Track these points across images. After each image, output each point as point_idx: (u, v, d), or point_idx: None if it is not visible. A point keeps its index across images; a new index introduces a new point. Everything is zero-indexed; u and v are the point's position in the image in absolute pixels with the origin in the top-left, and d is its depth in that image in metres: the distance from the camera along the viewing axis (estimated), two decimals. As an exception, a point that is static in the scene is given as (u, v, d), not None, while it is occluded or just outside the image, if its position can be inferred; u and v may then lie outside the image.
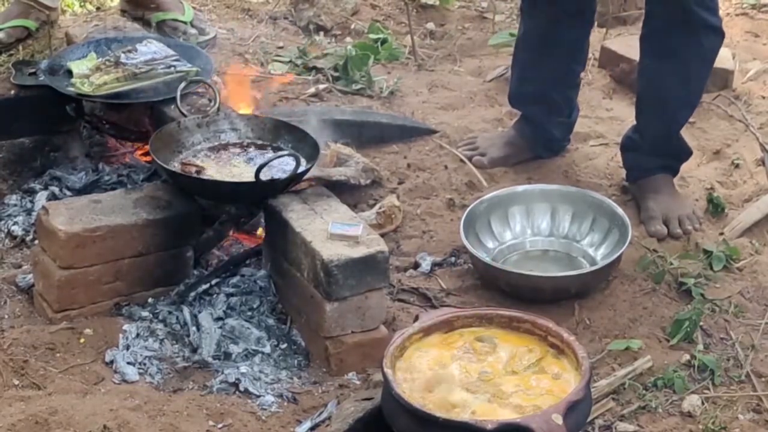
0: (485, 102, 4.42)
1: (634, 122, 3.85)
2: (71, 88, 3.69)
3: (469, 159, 3.99)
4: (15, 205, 3.68)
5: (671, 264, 3.46)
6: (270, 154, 3.38)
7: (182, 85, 3.54)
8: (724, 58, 4.59)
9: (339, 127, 3.99)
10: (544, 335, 2.76)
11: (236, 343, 3.14)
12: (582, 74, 4.07)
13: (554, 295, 3.34)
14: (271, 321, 3.23)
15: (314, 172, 3.42)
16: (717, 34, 3.64)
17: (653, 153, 3.76)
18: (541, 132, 3.99)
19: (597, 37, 4.84)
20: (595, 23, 4.98)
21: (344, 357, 3.09)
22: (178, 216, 3.26)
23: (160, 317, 3.21)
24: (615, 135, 4.20)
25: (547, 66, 3.87)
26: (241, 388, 3.01)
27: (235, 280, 3.31)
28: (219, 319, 3.20)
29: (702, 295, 3.38)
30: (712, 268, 3.50)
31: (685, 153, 3.83)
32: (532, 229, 3.65)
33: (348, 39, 4.80)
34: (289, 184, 3.27)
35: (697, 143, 4.14)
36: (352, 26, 4.89)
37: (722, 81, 4.52)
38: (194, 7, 4.65)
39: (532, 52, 3.90)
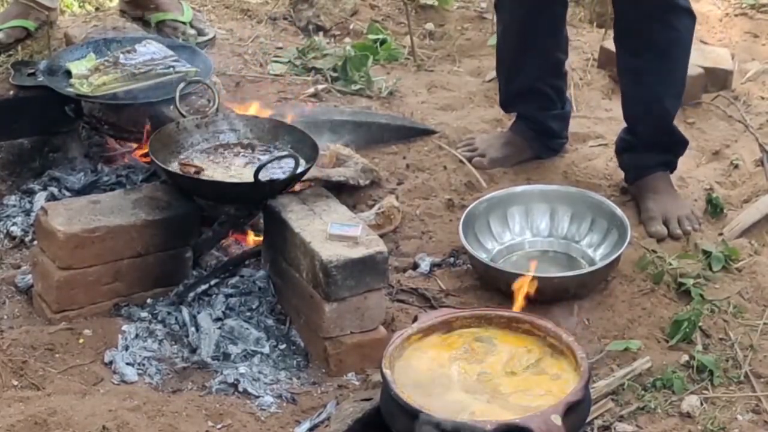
0: (484, 102, 4.42)
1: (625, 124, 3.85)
2: (70, 89, 3.69)
3: (469, 160, 3.99)
4: (14, 206, 3.68)
5: (670, 264, 3.46)
6: (269, 155, 3.38)
7: (181, 85, 3.54)
8: (723, 59, 4.60)
9: (338, 127, 3.99)
10: (543, 336, 2.77)
11: (235, 343, 3.14)
12: (569, 64, 4.07)
13: (553, 296, 3.34)
14: (270, 321, 3.23)
15: (313, 172, 3.42)
16: (689, 16, 3.64)
17: (649, 150, 3.75)
18: (538, 128, 3.99)
19: (596, 38, 4.85)
20: (595, 23, 5.00)
21: (343, 357, 3.10)
22: (177, 217, 3.26)
23: (159, 318, 3.21)
24: (614, 135, 4.19)
25: (530, 58, 3.87)
26: (240, 389, 3.01)
27: (234, 280, 3.31)
28: (218, 319, 3.20)
29: (701, 295, 3.38)
30: (711, 269, 3.50)
31: (681, 144, 3.82)
32: (531, 229, 3.65)
33: (347, 39, 4.80)
34: (288, 185, 3.27)
35: (696, 144, 4.14)
36: (351, 27, 4.89)
37: (721, 81, 4.51)
38: (193, 8, 4.65)
39: (514, 48, 3.91)
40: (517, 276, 3.36)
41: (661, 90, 3.68)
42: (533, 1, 3.81)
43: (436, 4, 5.06)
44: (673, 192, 3.78)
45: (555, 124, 4.02)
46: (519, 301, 2.91)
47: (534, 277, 3.04)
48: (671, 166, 3.81)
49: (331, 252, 3.03)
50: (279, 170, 3.28)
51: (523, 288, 2.94)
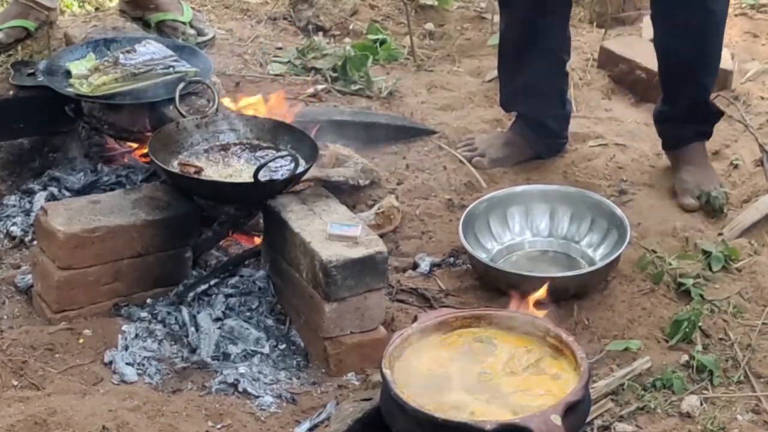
0: (484, 102, 4.42)
1: (662, 96, 3.92)
2: (70, 89, 3.69)
3: (469, 160, 3.99)
4: (14, 206, 3.69)
5: (670, 264, 3.46)
6: (269, 155, 3.38)
7: (181, 85, 3.55)
8: (723, 59, 4.59)
9: (338, 127, 3.99)
10: (543, 336, 2.76)
11: (235, 343, 3.14)
12: (569, 64, 4.07)
13: (553, 296, 3.34)
14: (270, 321, 3.23)
15: (313, 172, 3.42)
16: None
17: (686, 121, 3.85)
18: (538, 128, 4.00)
19: (596, 38, 4.84)
20: (595, 23, 5.00)
21: (343, 357, 3.10)
22: (177, 217, 3.26)
23: (159, 318, 3.21)
24: (614, 135, 4.20)
25: (533, 57, 3.88)
26: (240, 389, 3.01)
27: (234, 280, 3.31)
28: (218, 319, 3.20)
29: (701, 295, 3.38)
30: (710, 269, 3.50)
31: (716, 115, 3.92)
32: (531, 229, 3.65)
33: (347, 39, 4.80)
34: (288, 185, 3.27)
35: (696, 143, 4.15)
36: (351, 27, 4.89)
37: (721, 81, 4.50)
38: (193, 8, 4.65)
39: (516, 46, 3.92)
40: (517, 276, 3.38)
41: (696, 68, 3.77)
42: (535, 3, 3.81)
43: (436, 4, 5.07)
44: (708, 164, 3.90)
45: (555, 124, 4.03)
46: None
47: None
48: (707, 135, 3.93)
49: (330, 252, 3.03)
50: (278, 170, 3.29)
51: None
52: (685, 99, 3.83)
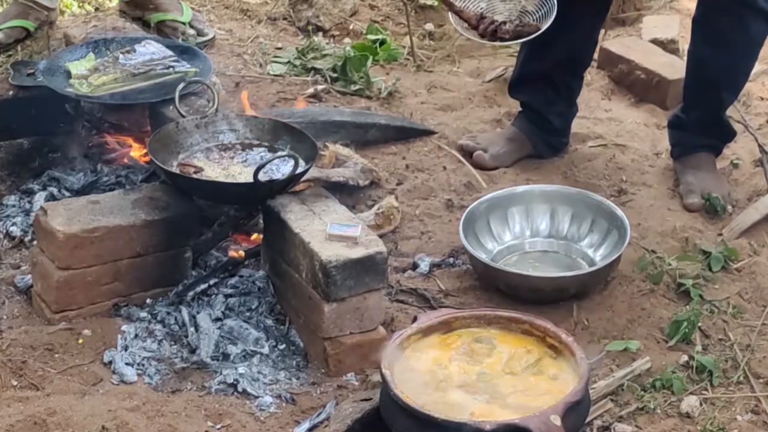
0: (484, 103, 4.42)
1: (681, 103, 3.95)
2: (70, 89, 3.69)
3: (471, 154, 3.99)
4: (13, 206, 3.68)
5: (670, 265, 3.46)
6: (268, 155, 3.38)
7: (181, 85, 3.54)
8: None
9: (337, 128, 3.99)
10: (543, 336, 2.77)
11: (235, 343, 3.14)
12: (586, 71, 4.08)
13: (553, 296, 3.34)
14: (269, 322, 3.23)
15: (313, 173, 3.42)
16: (765, 22, 3.70)
17: (698, 132, 3.88)
18: (541, 123, 4.00)
19: (596, 38, 4.84)
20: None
21: (342, 358, 3.09)
22: (176, 217, 3.26)
23: (159, 318, 3.21)
24: (614, 136, 4.20)
25: (556, 47, 3.83)
26: (240, 389, 3.02)
27: (233, 280, 3.31)
28: (217, 319, 3.20)
29: (700, 296, 3.38)
30: (710, 269, 3.50)
31: (729, 134, 3.95)
32: (531, 229, 3.65)
33: (346, 40, 4.80)
34: (288, 185, 3.27)
35: (696, 144, 4.15)
36: (351, 27, 4.89)
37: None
38: (193, 8, 4.65)
39: (545, 34, 3.89)
40: (517, 276, 3.38)
41: (720, 82, 3.80)
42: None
43: (436, 4, 5.06)
44: (715, 171, 3.91)
45: (557, 120, 4.03)
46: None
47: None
48: (716, 150, 3.95)
49: (330, 252, 3.03)
50: (278, 171, 3.29)
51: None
52: (702, 110, 3.85)
